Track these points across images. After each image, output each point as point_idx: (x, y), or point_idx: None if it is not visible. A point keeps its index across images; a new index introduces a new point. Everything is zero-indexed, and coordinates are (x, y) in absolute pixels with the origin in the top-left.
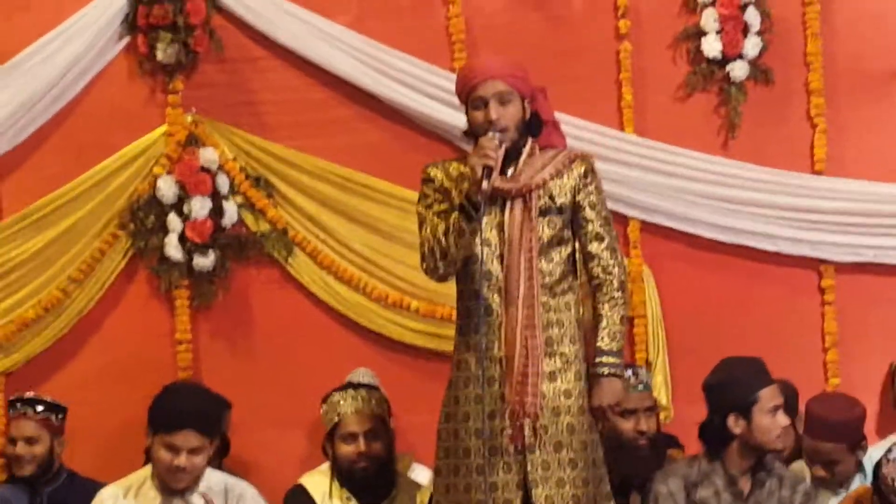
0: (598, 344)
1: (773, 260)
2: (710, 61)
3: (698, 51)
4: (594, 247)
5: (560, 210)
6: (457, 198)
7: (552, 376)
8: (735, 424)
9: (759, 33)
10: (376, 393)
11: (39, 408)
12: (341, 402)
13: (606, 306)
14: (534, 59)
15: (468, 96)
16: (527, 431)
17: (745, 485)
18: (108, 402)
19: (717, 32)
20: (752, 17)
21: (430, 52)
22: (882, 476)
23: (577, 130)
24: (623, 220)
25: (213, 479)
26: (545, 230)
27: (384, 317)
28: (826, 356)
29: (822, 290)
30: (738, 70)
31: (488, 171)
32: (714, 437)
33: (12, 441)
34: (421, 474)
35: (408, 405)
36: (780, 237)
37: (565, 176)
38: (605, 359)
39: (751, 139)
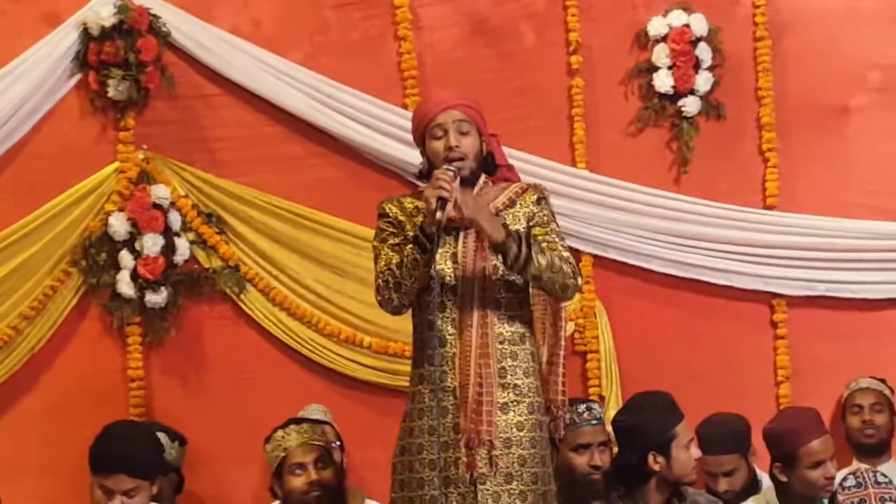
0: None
1: (725, 294)
2: (661, 96)
3: (650, 86)
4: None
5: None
6: (411, 230)
7: (504, 408)
8: (654, 462)
9: (711, 69)
10: (320, 427)
11: None
12: (285, 437)
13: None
14: (486, 96)
15: (426, 128)
16: (480, 462)
17: None
18: (59, 439)
19: (669, 68)
20: (704, 52)
21: (383, 89)
22: None
23: (529, 166)
24: (576, 255)
25: None
26: (498, 258)
27: (337, 353)
28: (778, 390)
29: (774, 325)
30: (690, 105)
31: (443, 202)
32: (632, 476)
33: None
34: None
35: (361, 441)
36: (732, 272)
37: (518, 205)
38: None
39: (703, 174)
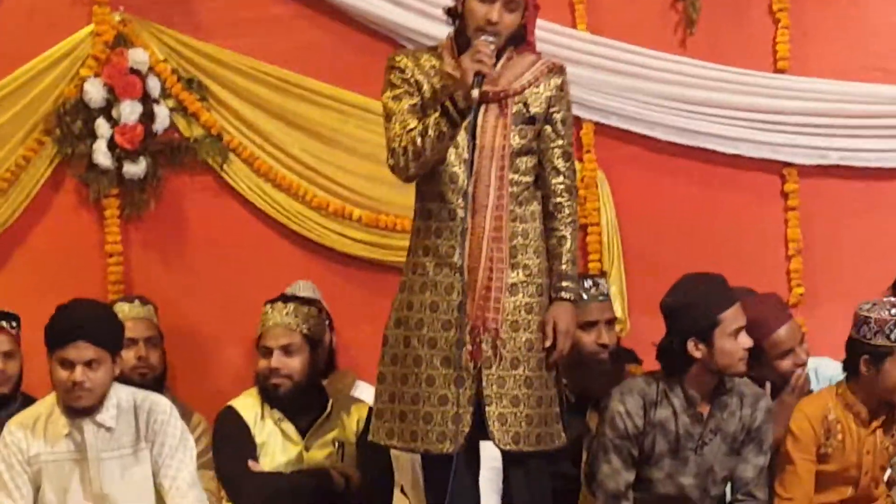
0: (563, 267)
1: (734, 163)
2: None
3: None
4: (561, 164)
5: (533, 119)
6: (428, 92)
7: (513, 289)
8: (695, 349)
9: None
10: (307, 308)
11: (13, 323)
12: (268, 313)
13: (568, 229)
14: None
15: None
16: (485, 347)
17: (704, 407)
18: (35, 317)
19: None
20: None
21: None
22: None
23: None
24: (576, 122)
25: (122, 394)
26: (516, 139)
27: (325, 226)
28: (790, 264)
29: (785, 195)
30: None
31: (480, 78)
32: (673, 360)
33: None
34: (365, 392)
35: (351, 319)
36: (741, 139)
37: (542, 85)
38: (566, 283)
39: (709, 36)
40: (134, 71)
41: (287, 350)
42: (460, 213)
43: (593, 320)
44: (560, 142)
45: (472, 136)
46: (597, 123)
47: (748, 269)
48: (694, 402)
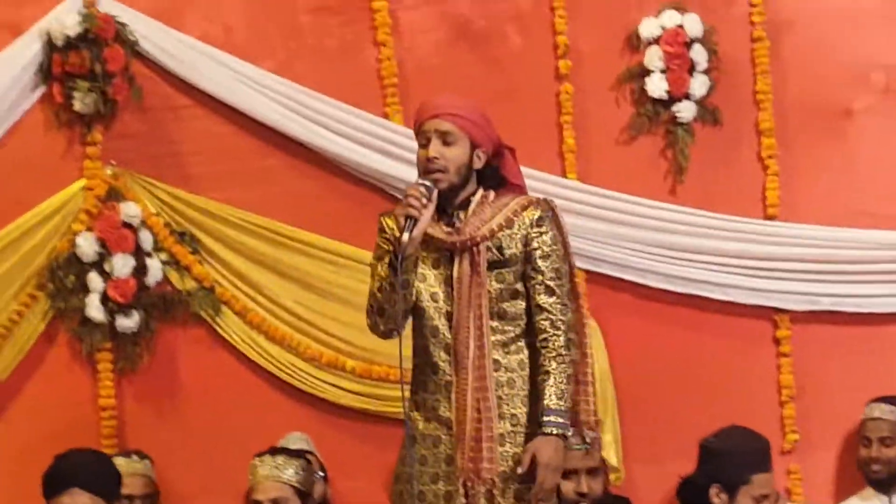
0: (545, 402)
1: (725, 310)
2: (655, 102)
3: (643, 91)
4: (543, 300)
5: (509, 262)
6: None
7: (501, 439)
8: (716, 496)
9: (707, 72)
10: (297, 460)
11: None
12: (257, 466)
13: (553, 363)
14: None
15: (416, 134)
16: (482, 501)
17: None
18: (29, 472)
19: (663, 71)
20: (699, 54)
21: (362, 98)
22: None
23: None
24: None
25: None
26: (494, 284)
27: (318, 377)
28: (783, 410)
29: (777, 341)
30: (686, 111)
31: (412, 222)
32: (691, 498)
33: None
34: None
35: (345, 470)
36: (732, 286)
37: (515, 225)
38: (552, 417)
39: (700, 183)
40: (126, 225)
41: (277, 503)
42: (443, 366)
43: (572, 468)
44: (539, 277)
45: (449, 287)
46: (588, 271)
47: (741, 415)
48: None
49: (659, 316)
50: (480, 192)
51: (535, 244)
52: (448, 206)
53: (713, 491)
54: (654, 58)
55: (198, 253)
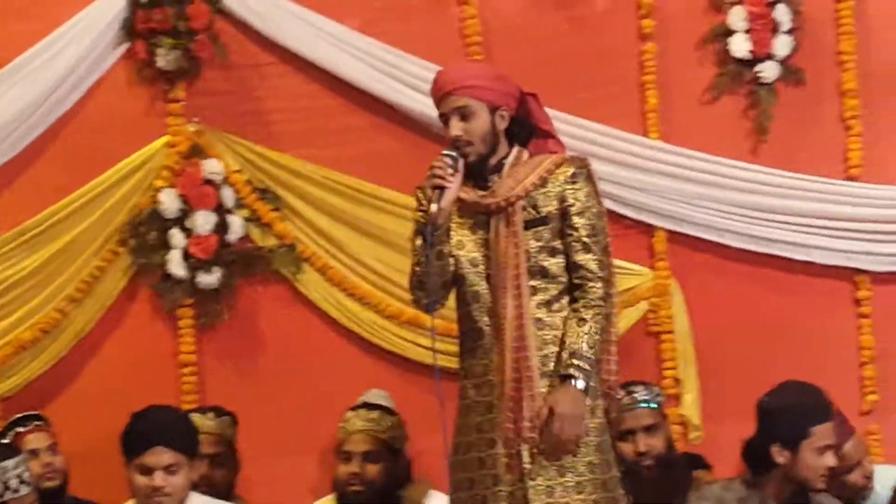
0: (577, 346)
1: (806, 270)
2: (738, 62)
3: (725, 51)
4: (580, 257)
5: (546, 220)
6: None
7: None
8: (779, 454)
9: (790, 32)
10: (389, 417)
11: (44, 422)
12: (350, 420)
13: (590, 312)
14: (553, 62)
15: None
16: (525, 457)
17: None
18: (109, 428)
19: (746, 31)
20: (783, 14)
21: (446, 56)
22: None
23: (598, 136)
24: (649, 230)
25: (197, 502)
26: (532, 243)
27: (399, 335)
28: (863, 371)
29: (857, 302)
30: (769, 71)
31: (439, 192)
32: (755, 460)
33: (34, 453)
34: (438, 502)
35: (425, 428)
36: (812, 246)
37: (550, 183)
38: (580, 362)
39: (782, 144)
40: (208, 181)
41: (368, 457)
42: (487, 330)
43: (628, 428)
44: (575, 234)
45: (487, 249)
46: (669, 231)
47: (821, 376)
48: None
49: (739, 276)
50: (514, 152)
51: (570, 200)
52: (482, 171)
53: (775, 450)
54: (737, 18)
55: (279, 210)
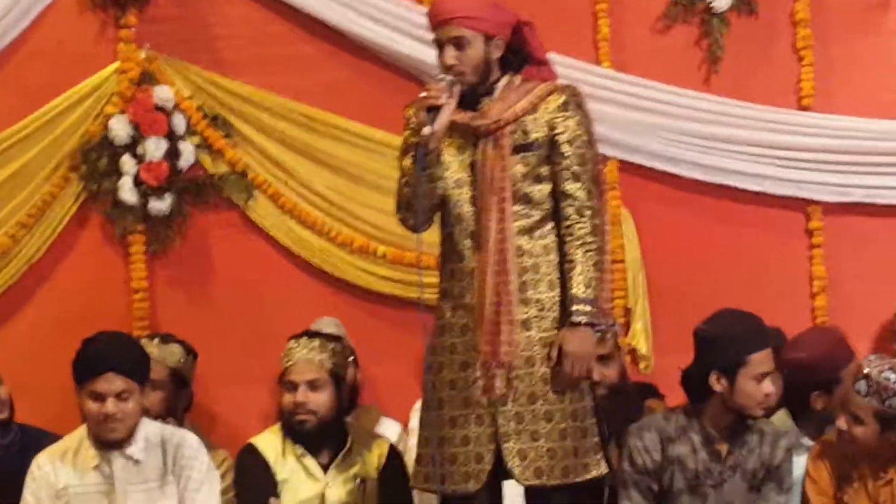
0: (573, 291)
1: (758, 200)
2: None
3: None
4: (569, 186)
5: (534, 146)
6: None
7: (526, 324)
8: (717, 382)
9: None
10: (334, 344)
11: None
12: (293, 349)
13: (579, 251)
14: None
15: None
16: (498, 383)
17: (722, 444)
18: (59, 354)
19: None
20: None
21: None
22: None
23: None
24: (600, 159)
25: (150, 429)
26: (518, 168)
27: (350, 263)
28: (814, 301)
29: (809, 233)
30: (721, 0)
31: (433, 114)
32: (693, 389)
33: None
34: (389, 428)
35: (375, 355)
36: (765, 176)
37: (540, 109)
38: (580, 307)
39: (734, 73)
40: (159, 108)
41: (313, 385)
42: (467, 253)
43: None
44: (564, 163)
45: (474, 171)
46: (621, 161)
47: (773, 305)
48: (712, 439)
49: (691, 206)
50: (506, 77)
51: (559, 129)
52: (473, 93)
53: (713, 378)
54: None
55: (230, 137)
